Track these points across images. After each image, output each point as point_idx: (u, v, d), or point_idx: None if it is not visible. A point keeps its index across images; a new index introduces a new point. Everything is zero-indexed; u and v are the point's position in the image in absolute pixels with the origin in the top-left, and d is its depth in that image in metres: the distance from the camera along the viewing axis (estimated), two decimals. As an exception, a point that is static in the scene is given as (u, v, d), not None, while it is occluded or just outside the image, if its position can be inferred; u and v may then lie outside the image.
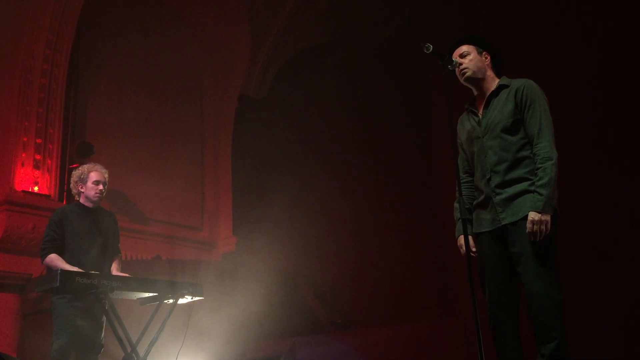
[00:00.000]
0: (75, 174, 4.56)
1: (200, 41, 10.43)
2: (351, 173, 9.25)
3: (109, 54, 9.04)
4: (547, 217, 2.88)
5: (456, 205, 3.23)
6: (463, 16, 7.74)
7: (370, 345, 6.46)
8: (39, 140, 7.67)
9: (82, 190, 4.51)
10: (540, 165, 2.95)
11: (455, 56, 3.20)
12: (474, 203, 3.20)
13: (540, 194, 2.90)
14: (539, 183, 2.92)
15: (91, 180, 4.49)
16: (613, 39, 6.45)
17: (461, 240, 3.16)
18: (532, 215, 2.89)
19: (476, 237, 3.14)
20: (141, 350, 4.11)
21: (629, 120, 6.03)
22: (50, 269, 4.28)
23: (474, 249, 3.14)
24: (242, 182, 9.86)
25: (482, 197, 3.12)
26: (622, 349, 5.23)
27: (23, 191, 7.45)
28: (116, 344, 4.05)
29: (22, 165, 7.52)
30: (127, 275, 4.37)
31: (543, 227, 2.87)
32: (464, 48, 3.22)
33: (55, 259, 4.25)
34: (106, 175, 4.58)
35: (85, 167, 4.59)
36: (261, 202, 9.08)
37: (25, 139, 7.60)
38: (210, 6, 9.99)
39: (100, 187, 4.50)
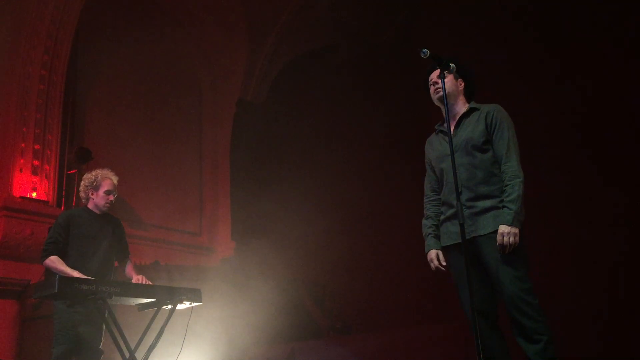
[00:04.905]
0: (88, 178, 4.51)
1: (198, 46, 10.44)
2: (350, 178, 9.26)
3: (107, 59, 9.04)
4: (516, 230, 3.03)
5: (424, 222, 3.42)
6: (461, 19, 7.78)
7: (369, 351, 6.45)
8: (37, 146, 7.66)
9: (92, 196, 4.48)
10: (508, 183, 3.11)
11: (433, 77, 3.36)
12: (442, 218, 3.35)
13: (510, 209, 3.05)
14: (508, 199, 3.08)
15: (103, 189, 4.46)
16: (609, 38, 6.52)
17: (431, 254, 3.31)
18: (502, 229, 3.04)
19: (445, 250, 3.28)
20: (139, 356, 4.10)
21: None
22: (49, 275, 4.27)
23: (444, 263, 3.28)
24: (241, 188, 9.86)
25: (451, 211, 3.24)
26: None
27: (21, 197, 7.44)
28: (115, 349, 4.04)
29: (21, 171, 7.51)
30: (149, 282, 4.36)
31: (512, 239, 3.01)
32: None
33: (55, 261, 4.23)
34: (116, 183, 4.57)
35: (99, 173, 4.54)
36: (260, 208, 9.08)
37: (23, 145, 7.59)
38: (208, 11, 10.01)
39: (111, 197, 4.49)
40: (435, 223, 3.35)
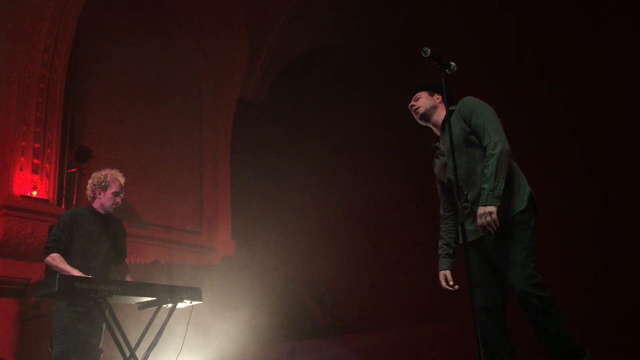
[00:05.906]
0: (97, 177, 4.50)
1: (198, 46, 10.44)
2: (351, 177, 9.26)
3: (107, 58, 9.05)
4: (492, 209, 2.99)
5: (439, 242, 3.48)
6: (461, 19, 7.78)
7: (369, 350, 6.45)
8: (37, 145, 7.66)
9: (99, 196, 4.47)
10: (485, 164, 3.12)
11: (411, 101, 3.48)
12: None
13: (484, 189, 3.05)
14: (483, 180, 3.08)
15: (111, 191, 4.45)
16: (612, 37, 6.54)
17: (440, 276, 3.37)
18: (478, 211, 3.03)
19: (465, 249, 3.28)
20: (140, 355, 4.10)
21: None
22: (50, 273, 4.26)
23: (451, 283, 3.33)
24: (241, 187, 9.86)
25: (466, 211, 3.25)
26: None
27: (21, 196, 7.44)
28: (115, 348, 4.04)
29: (21, 169, 7.51)
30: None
31: (488, 218, 2.98)
32: (417, 95, 3.49)
33: (56, 259, 4.22)
34: (124, 184, 4.56)
35: (109, 173, 4.52)
36: (260, 207, 9.09)
37: (23, 144, 7.59)
38: (208, 11, 10.01)
39: (119, 199, 4.48)
40: (446, 242, 3.42)
